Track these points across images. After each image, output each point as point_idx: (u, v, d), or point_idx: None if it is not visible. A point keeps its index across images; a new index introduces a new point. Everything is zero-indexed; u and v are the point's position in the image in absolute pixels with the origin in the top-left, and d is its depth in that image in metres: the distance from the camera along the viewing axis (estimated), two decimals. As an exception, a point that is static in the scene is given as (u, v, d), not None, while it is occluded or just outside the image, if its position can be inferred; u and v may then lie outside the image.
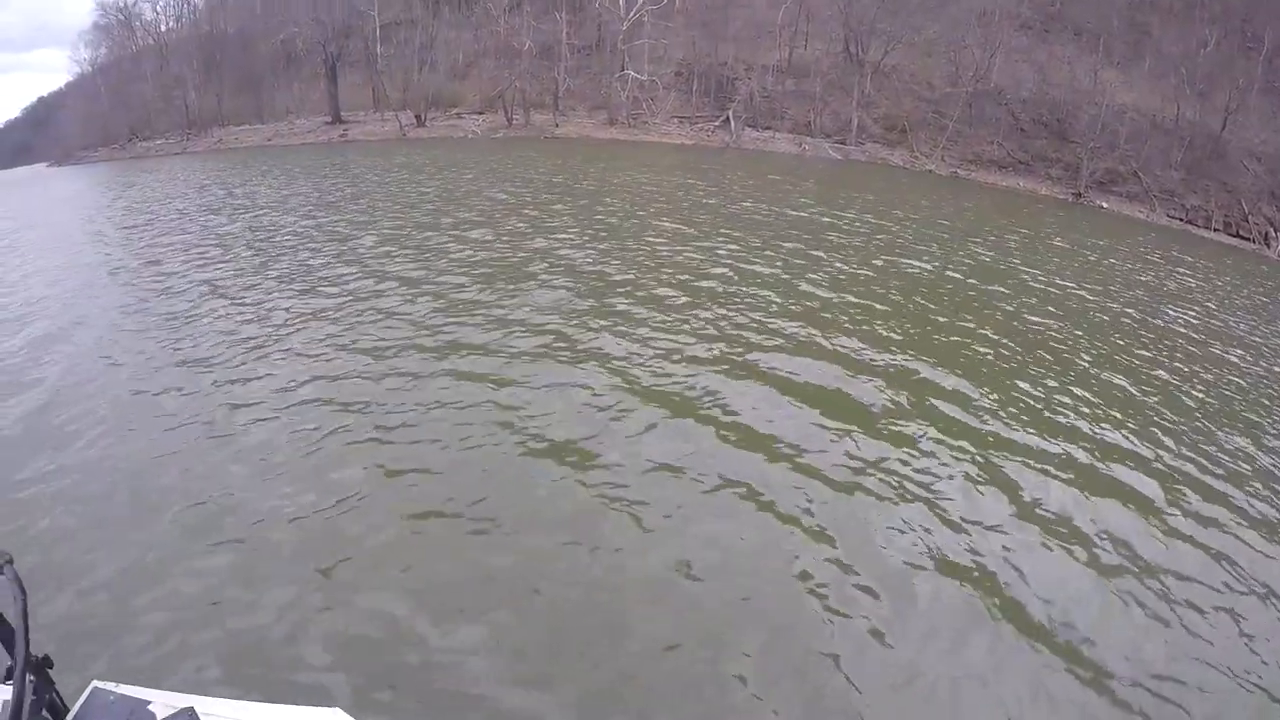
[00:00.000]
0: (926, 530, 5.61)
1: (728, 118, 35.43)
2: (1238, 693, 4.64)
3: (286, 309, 9.86)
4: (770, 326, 9.53)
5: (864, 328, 10.04)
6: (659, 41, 39.93)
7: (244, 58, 50.65)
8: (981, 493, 6.26)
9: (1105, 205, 30.75)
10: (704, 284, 11.26)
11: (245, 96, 49.67)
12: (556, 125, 40.44)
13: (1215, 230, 31.13)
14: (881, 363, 8.76)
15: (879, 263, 14.26)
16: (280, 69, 52.64)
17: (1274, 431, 9.13)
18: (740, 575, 4.92)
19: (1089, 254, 20.34)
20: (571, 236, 14.14)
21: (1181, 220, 31.17)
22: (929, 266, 14.71)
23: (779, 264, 13.20)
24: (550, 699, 3.94)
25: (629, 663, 4.21)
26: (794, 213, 18.75)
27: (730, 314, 9.94)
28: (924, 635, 4.60)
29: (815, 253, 14.47)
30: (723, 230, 15.62)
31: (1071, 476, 6.70)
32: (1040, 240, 20.76)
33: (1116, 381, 9.62)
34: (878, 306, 11.20)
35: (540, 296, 10.19)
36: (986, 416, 7.74)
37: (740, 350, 8.62)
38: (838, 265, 13.74)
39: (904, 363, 8.81)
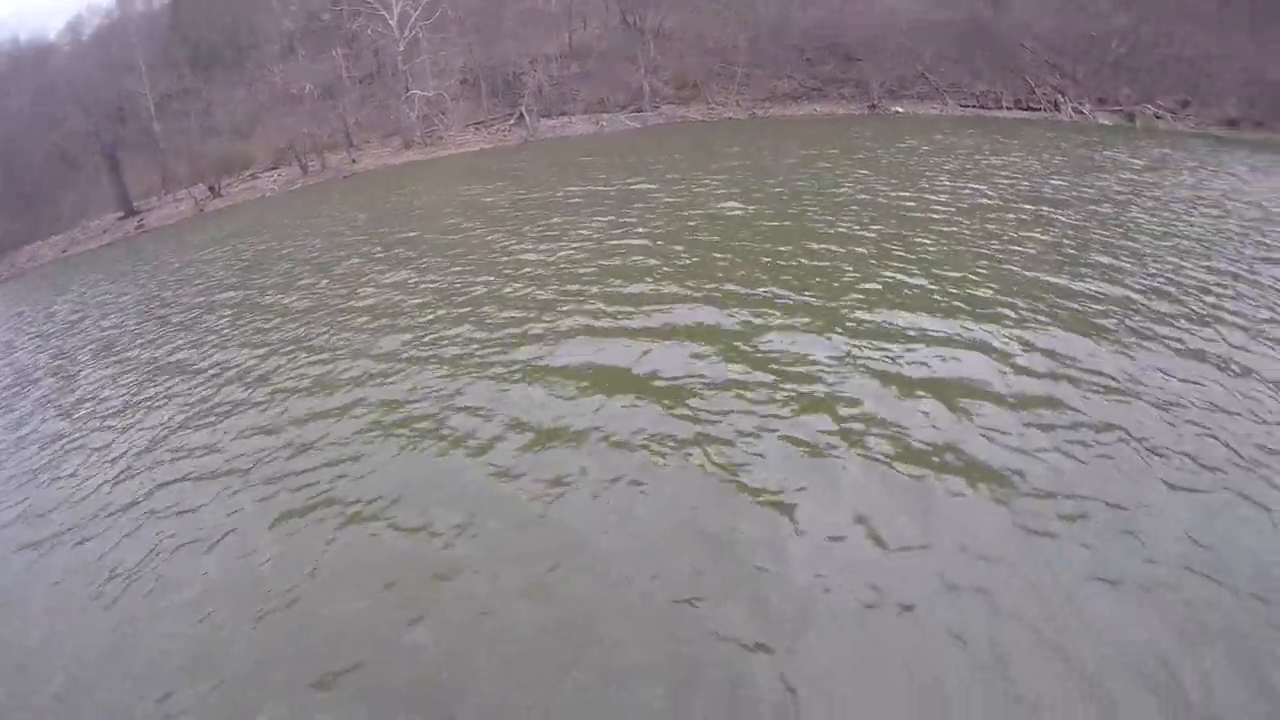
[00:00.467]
0: (821, 414, 6.40)
1: (520, 113, 34.00)
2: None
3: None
4: (625, 292, 9.75)
5: (707, 273, 10.29)
6: (438, 54, 38.16)
7: (17, 169, 45.70)
8: (861, 370, 7.11)
9: (900, 110, 30.90)
10: (542, 271, 11.36)
11: (28, 213, 44.83)
12: (353, 162, 38.06)
13: (1007, 109, 31.86)
14: (739, 295, 9.22)
15: (701, 212, 14.29)
16: (61, 172, 47.88)
17: (1118, 268, 10.38)
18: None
19: (895, 156, 20.70)
20: (389, 269, 13.24)
21: (974, 107, 31.68)
22: (745, 206, 14.75)
23: (600, 236, 13.17)
24: None
25: None
26: (604, 188, 18.28)
27: (575, 288, 10.20)
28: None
29: (629, 219, 14.26)
30: (539, 219, 15.24)
31: (934, 346, 7.59)
32: (845, 155, 20.92)
33: (960, 261, 10.53)
34: (717, 258, 11.20)
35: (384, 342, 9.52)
36: (843, 313, 8.55)
37: (602, 316, 9.05)
38: (658, 224, 13.59)
39: (761, 293, 9.24)
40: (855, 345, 7.63)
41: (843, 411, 6.42)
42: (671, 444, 6.13)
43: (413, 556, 5.29)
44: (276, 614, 4.98)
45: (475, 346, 8.64)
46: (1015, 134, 26.65)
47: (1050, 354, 7.40)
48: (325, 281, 13.43)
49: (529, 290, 10.49)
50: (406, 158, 36.23)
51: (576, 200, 16.98)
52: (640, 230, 13.28)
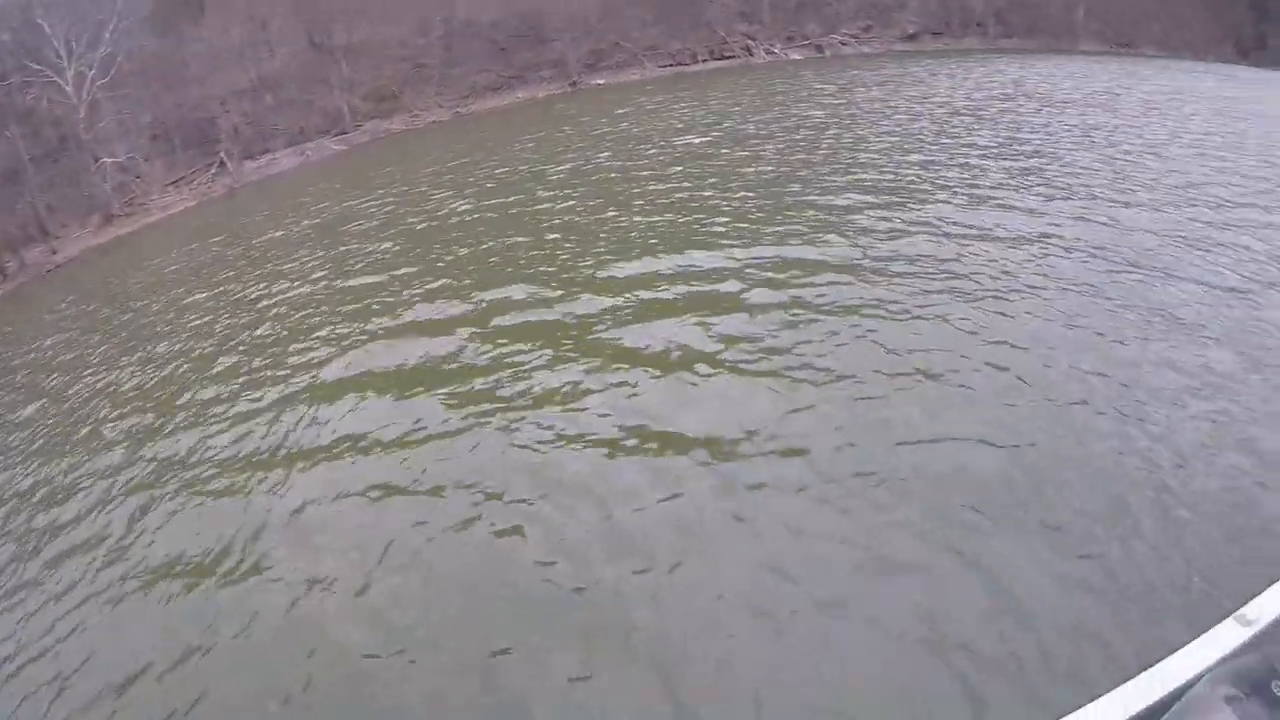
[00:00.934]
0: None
1: (221, 160, 31.52)
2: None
3: None
4: (361, 330, 9.62)
5: (436, 287, 10.33)
6: (122, 114, 34.64)
7: None
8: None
9: (601, 81, 31.15)
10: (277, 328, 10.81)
11: None
12: (54, 253, 33.95)
13: (704, 62, 33.00)
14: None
15: (420, 226, 14.19)
16: None
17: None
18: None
19: (602, 127, 21.04)
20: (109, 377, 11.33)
21: (672, 65, 32.52)
22: (467, 205, 14.83)
23: (331, 270, 12.75)
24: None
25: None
26: (319, 219, 17.47)
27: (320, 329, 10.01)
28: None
29: (364, 246, 13.84)
30: (255, 273, 14.35)
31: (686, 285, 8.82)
32: (550, 138, 21.02)
33: (685, 204, 11.78)
34: (439, 265, 11.33)
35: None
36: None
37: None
38: (382, 248, 13.32)
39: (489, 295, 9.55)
40: (617, 298, 8.72)
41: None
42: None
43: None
44: None
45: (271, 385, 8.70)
46: (713, 84, 27.85)
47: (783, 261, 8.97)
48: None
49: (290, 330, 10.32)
50: (111, 234, 32.86)
51: (305, 236, 16.07)
52: (376, 249, 13.14)
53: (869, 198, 11.09)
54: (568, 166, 16.28)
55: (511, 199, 14.24)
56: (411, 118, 29.57)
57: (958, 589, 4.32)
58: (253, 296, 12.42)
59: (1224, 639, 2.14)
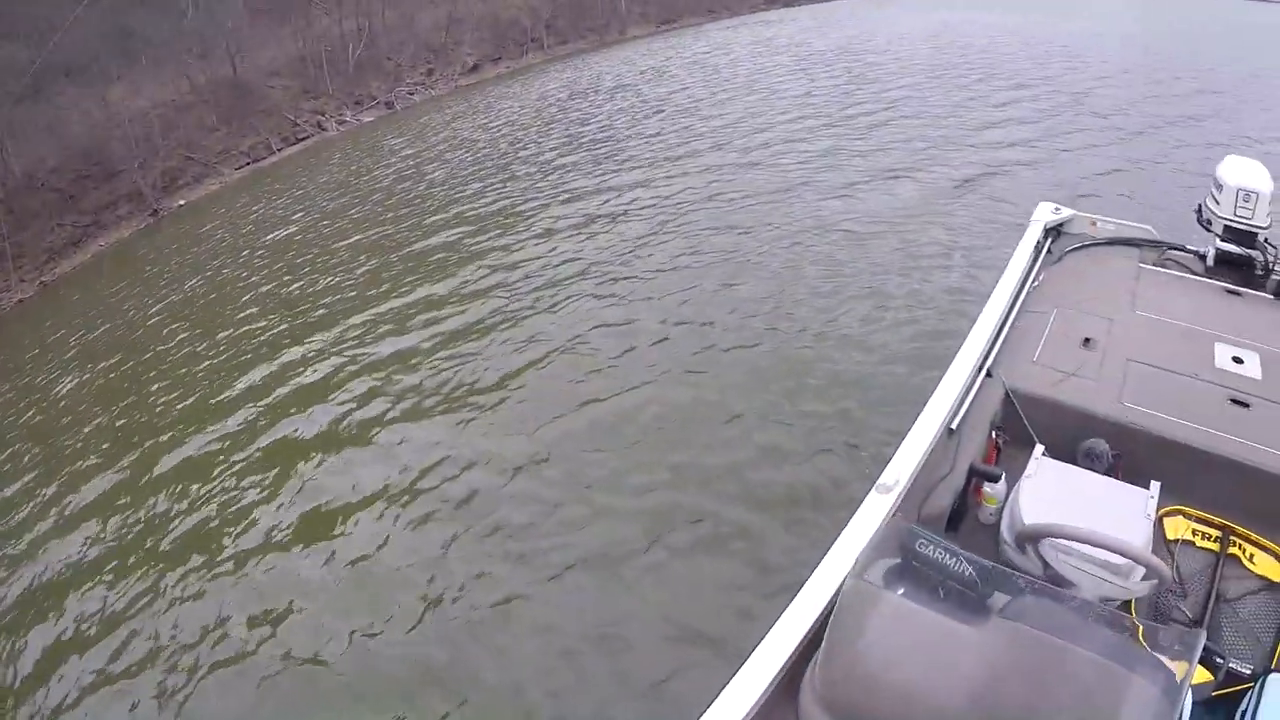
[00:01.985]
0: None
1: None
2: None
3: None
4: None
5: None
6: None
7: None
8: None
9: (183, 202, 32.60)
10: None
11: None
12: None
13: (280, 150, 35.80)
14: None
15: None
16: None
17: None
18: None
19: (188, 253, 21.77)
20: None
21: (249, 164, 34.86)
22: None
23: None
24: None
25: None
26: None
27: None
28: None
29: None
30: None
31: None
32: (142, 279, 21.00)
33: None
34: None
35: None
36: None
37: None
38: None
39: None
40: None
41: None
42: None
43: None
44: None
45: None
46: (295, 171, 29.61)
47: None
48: None
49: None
50: None
51: None
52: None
53: (471, 228, 14.50)
54: (173, 310, 16.59)
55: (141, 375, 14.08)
56: (-18, 310, 29.42)
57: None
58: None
59: (873, 509, 2.53)
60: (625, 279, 10.88)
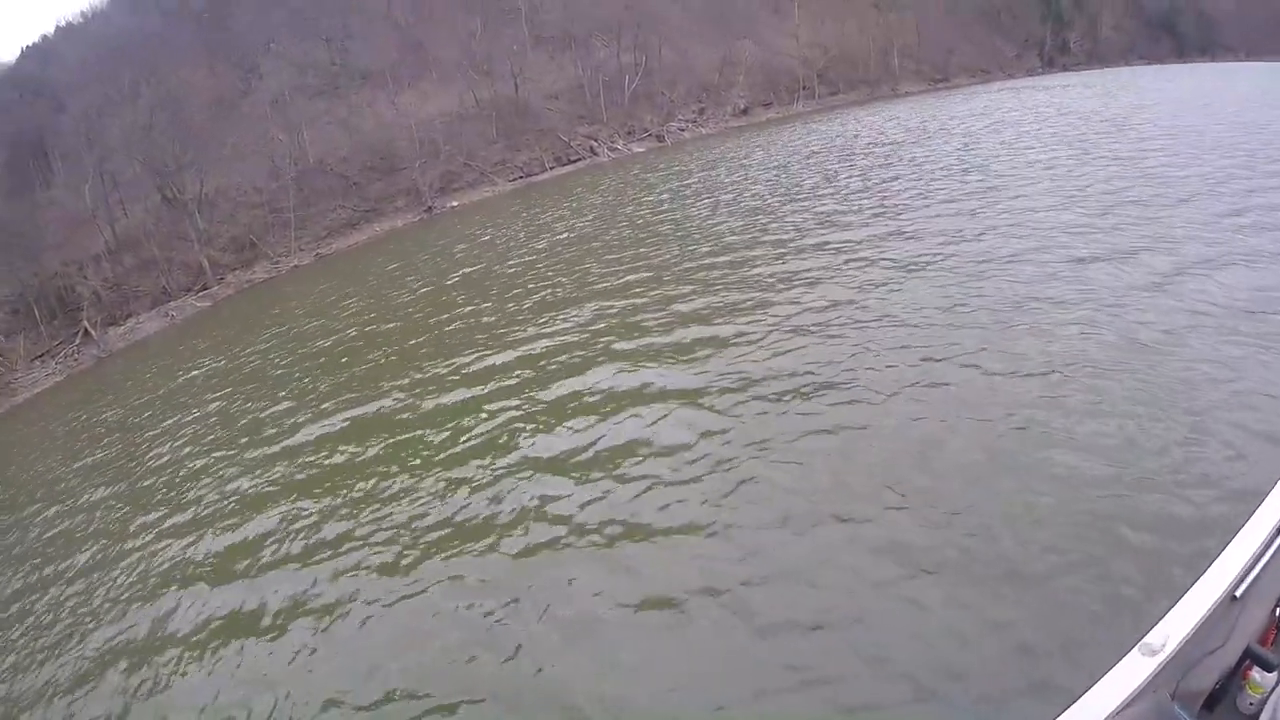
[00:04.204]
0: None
1: (84, 329, 31.57)
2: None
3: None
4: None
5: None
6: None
7: None
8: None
9: (455, 204, 32.66)
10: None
11: None
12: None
13: (551, 169, 35.20)
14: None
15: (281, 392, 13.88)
16: None
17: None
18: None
19: (463, 245, 22.49)
20: None
21: (522, 177, 34.50)
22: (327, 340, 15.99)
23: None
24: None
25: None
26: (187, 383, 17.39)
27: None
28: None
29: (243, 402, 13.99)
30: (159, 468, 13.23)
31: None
32: (412, 264, 22.13)
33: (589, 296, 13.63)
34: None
35: None
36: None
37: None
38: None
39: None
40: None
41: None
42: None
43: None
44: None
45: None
46: (565, 188, 29.68)
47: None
48: None
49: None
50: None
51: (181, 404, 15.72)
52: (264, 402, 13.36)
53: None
54: (458, 291, 17.26)
55: (390, 327, 15.45)
56: (273, 264, 30.46)
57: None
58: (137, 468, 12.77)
59: (1131, 671, 2.30)
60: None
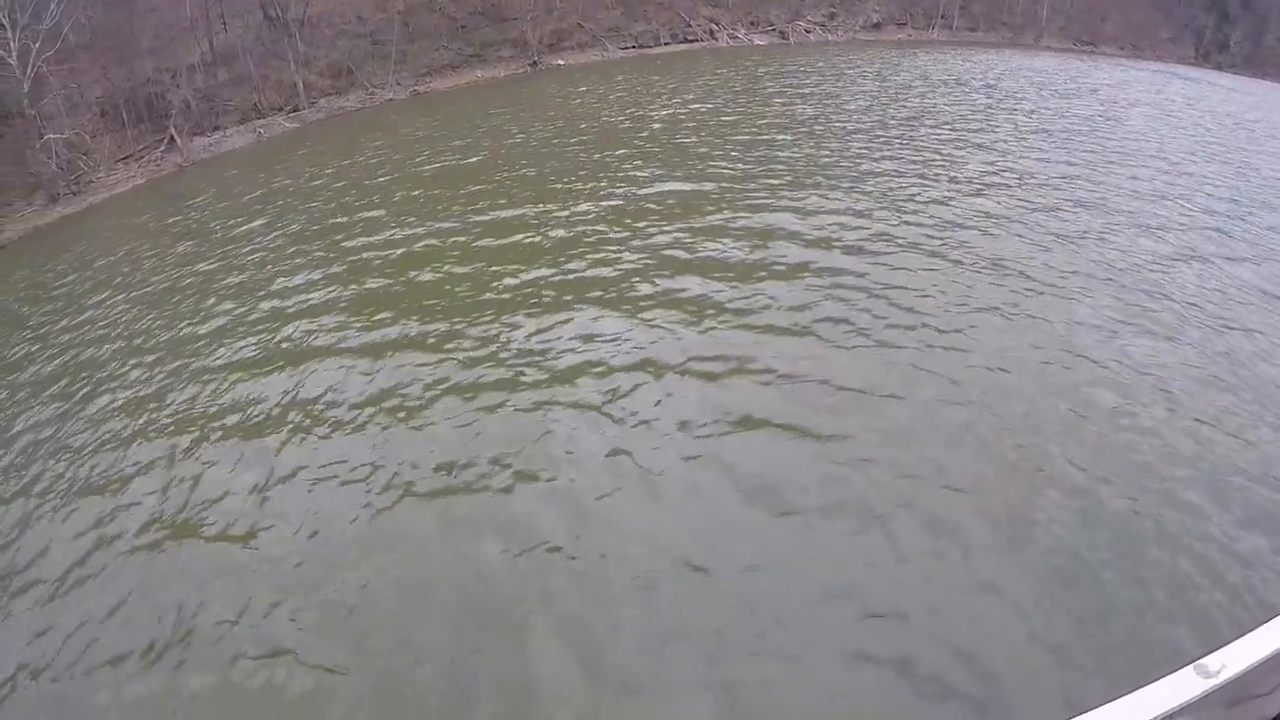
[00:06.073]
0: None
1: (170, 135, 30.71)
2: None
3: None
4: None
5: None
6: (69, 87, 33.55)
7: None
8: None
9: (562, 62, 30.81)
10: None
11: None
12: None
13: (666, 44, 32.78)
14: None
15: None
16: None
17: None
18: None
19: (574, 101, 21.67)
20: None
21: (634, 48, 32.26)
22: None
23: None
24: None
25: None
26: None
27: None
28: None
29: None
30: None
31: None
32: (524, 111, 21.11)
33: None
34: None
35: None
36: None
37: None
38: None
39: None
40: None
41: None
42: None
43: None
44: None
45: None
46: (677, 66, 27.71)
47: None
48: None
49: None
50: (56, 214, 31.77)
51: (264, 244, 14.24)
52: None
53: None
54: (574, 134, 17.51)
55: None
56: (367, 95, 29.00)
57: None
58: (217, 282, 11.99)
59: (1181, 688, 2.08)
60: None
